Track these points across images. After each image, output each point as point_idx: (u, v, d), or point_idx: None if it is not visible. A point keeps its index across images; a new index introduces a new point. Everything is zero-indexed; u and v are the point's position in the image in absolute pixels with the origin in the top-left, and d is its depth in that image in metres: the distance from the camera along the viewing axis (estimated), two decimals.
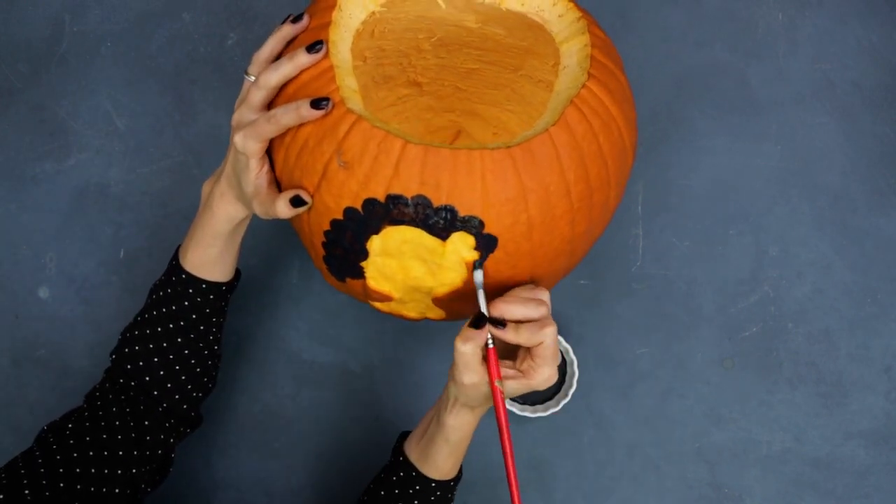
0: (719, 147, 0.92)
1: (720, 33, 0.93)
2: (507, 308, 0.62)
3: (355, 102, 0.62)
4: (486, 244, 0.62)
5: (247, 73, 0.67)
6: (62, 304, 0.91)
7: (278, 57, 0.66)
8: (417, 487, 0.72)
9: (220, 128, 0.93)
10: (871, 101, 0.92)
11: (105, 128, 0.93)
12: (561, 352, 0.86)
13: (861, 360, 0.89)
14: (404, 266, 0.65)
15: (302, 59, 0.62)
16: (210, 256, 0.73)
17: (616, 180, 0.67)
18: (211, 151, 0.93)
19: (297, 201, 0.63)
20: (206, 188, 0.73)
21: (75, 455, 0.68)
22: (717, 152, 0.92)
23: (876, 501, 0.88)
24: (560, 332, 0.89)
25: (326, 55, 0.63)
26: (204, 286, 0.73)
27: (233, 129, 0.66)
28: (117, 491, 0.69)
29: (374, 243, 0.63)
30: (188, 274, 0.73)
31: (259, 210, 0.66)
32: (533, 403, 0.87)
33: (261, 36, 0.94)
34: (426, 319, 0.72)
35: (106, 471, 0.69)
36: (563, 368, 0.87)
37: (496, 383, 0.63)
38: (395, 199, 0.61)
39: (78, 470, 0.67)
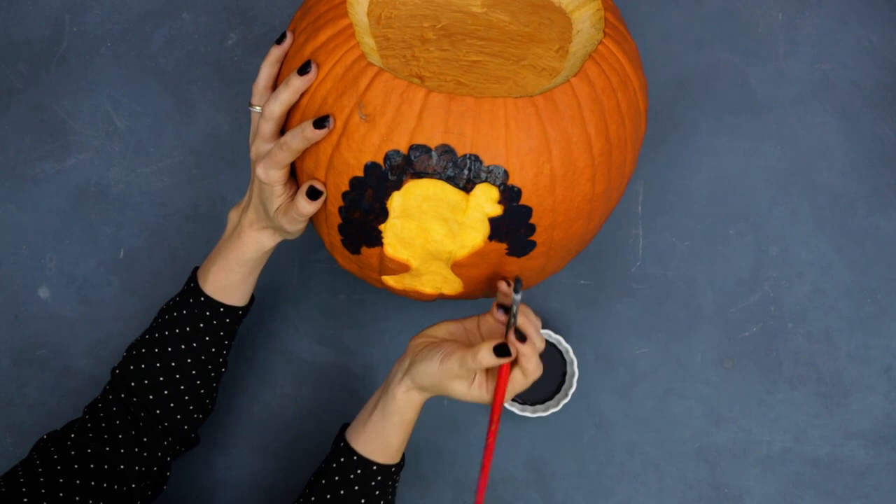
0: (719, 147, 0.92)
1: (720, 33, 0.93)
2: (535, 335, 0.65)
3: (374, 59, 0.63)
4: (510, 196, 0.62)
5: (251, 105, 0.70)
6: (62, 304, 0.91)
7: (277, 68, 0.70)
8: (359, 471, 0.71)
9: (220, 128, 0.93)
10: (871, 101, 0.92)
11: (105, 128, 0.93)
12: (560, 351, 0.87)
13: (861, 360, 0.89)
14: (424, 228, 0.64)
15: (296, 83, 0.65)
16: (233, 281, 0.74)
17: (632, 143, 0.68)
18: (211, 151, 0.93)
19: (312, 192, 0.65)
20: (233, 216, 0.76)
21: (76, 466, 0.68)
22: (717, 152, 0.92)
23: (876, 501, 0.88)
24: (560, 332, 0.89)
25: (318, 71, 0.65)
26: (222, 309, 0.75)
27: (253, 163, 0.69)
28: None
29: (395, 202, 0.63)
30: (207, 297, 0.74)
31: (285, 220, 0.68)
32: (533, 403, 0.87)
33: (261, 36, 0.94)
34: (440, 298, 0.71)
35: (105, 484, 0.69)
36: (562, 368, 0.87)
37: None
38: (418, 150, 0.60)
39: (78, 482, 0.67)
